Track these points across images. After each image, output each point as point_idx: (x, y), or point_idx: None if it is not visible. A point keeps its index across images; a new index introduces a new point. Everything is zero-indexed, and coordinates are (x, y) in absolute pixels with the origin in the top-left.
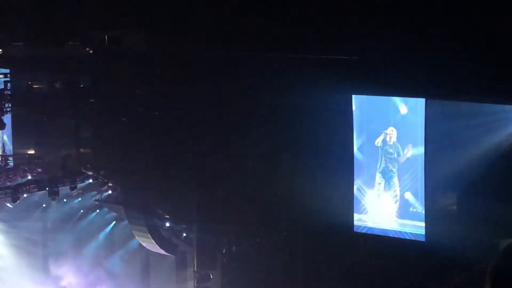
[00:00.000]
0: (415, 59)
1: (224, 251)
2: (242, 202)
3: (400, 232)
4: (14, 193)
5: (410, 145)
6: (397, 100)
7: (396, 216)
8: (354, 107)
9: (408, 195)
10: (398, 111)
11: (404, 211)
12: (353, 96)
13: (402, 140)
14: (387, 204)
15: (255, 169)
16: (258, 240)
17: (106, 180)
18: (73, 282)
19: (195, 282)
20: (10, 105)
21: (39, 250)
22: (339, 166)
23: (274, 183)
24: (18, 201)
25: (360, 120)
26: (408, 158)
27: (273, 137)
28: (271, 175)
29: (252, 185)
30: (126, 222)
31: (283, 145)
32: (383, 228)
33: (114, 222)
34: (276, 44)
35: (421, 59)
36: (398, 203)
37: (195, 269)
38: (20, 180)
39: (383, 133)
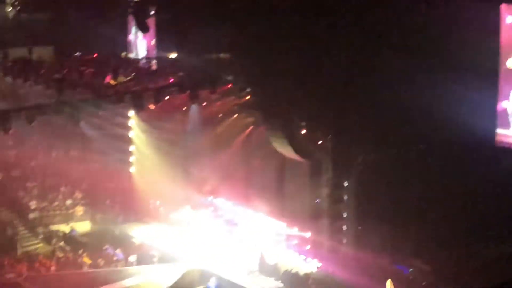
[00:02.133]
0: None
1: (360, 160)
2: (381, 112)
3: None
4: (157, 95)
5: None
6: None
7: None
8: (503, 18)
9: None
10: None
11: None
12: (502, 5)
13: None
14: None
15: (395, 79)
16: (395, 150)
17: (245, 85)
18: (215, 186)
19: (329, 190)
20: (154, 9)
21: (180, 151)
22: (484, 79)
23: (416, 94)
24: (159, 103)
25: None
26: None
27: (418, 50)
28: (413, 86)
29: (392, 95)
30: (263, 127)
31: (427, 57)
32: None
33: (252, 127)
34: None
35: None
36: None
37: (330, 176)
38: (162, 83)
39: None
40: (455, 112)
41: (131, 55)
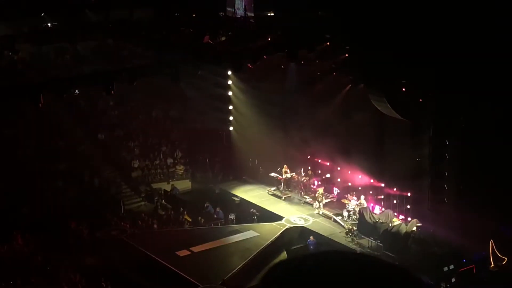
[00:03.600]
0: None
1: (462, 118)
2: (484, 69)
3: None
4: (255, 55)
5: None
6: None
7: None
8: None
9: None
10: None
11: None
12: None
13: None
14: None
15: (500, 36)
16: (499, 108)
17: (344, 43)
18: (313, 146)
19: (430, 149)
20: None
21: (277, 110)
22: None
23: None
24: (258, 62)
25: None
26: None
27: None
28: None
29: (497, 53)
30: (361, 85)
31: None
32: None
33: (350, 85)
34: None
35: None
36: None
37: (431, 135)
38: (260, 42)
39: None
40: None
41: (229, 14)
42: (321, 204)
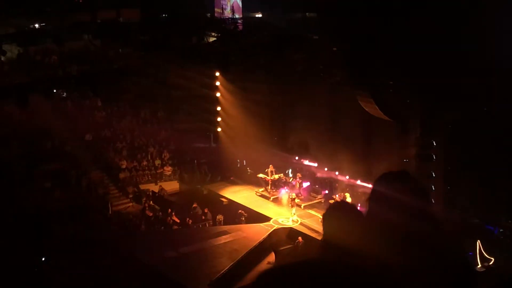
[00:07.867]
0: None
1: (449, 119)
2: (471, 69)
3: None
4: (242, 55)
5: None
6: None
7: None
8: None
9: None
10: None
11: None
12: None
13: None
14: None
15: (485, 36)
16: (485, 108)
17: (331, 44)
18: (301, 146)
19: (417, 149)
20: None
21: (265, 111)
22: None
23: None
24: (246, 63)
25: None
26: None
27: None
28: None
29: (481, 53)
30: (349, 86)
31: None
32: None
33: (337, 86)
34: None
35: None
36: None
37: (418, 135)
38: (248, 43)
39: None
40: None
41: (217, 15)
42: (293, 209)
